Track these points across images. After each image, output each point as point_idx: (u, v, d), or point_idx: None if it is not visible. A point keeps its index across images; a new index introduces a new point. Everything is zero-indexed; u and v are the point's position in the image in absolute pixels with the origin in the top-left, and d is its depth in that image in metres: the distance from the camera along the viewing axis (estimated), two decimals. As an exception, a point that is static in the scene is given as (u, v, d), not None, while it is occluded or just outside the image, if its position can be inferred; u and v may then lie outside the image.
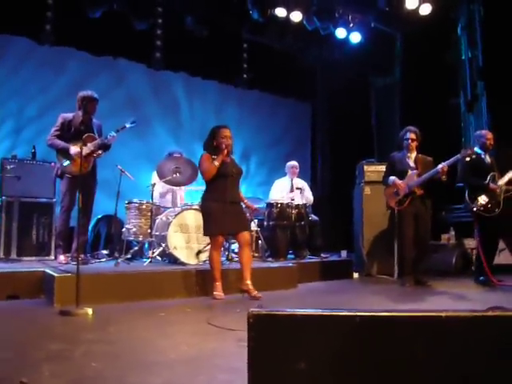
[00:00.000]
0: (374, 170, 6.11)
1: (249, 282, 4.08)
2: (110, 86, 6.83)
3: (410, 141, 5.09)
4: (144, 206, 5.28)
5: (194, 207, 5.12)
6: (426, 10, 6.87)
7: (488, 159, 5.18)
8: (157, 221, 5.21)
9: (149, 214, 5.22)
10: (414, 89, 7.60)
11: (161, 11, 6.79)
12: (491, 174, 5.05)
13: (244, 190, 4.54)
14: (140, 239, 5.24)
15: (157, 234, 5.10)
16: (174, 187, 5.83)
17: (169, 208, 5.53)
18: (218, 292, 4.10)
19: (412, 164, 5.10)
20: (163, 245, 4.89)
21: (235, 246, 5.84)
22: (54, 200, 5.32)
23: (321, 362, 1.16)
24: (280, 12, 6.90)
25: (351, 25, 7.34)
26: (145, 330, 2.92)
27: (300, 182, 6.60)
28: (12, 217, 5.12)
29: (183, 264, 4.75)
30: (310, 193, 6.66)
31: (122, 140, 5.91)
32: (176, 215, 4.87)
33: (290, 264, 5.28)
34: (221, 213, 4.04)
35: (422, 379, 1.15)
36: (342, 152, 8.21)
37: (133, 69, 7.23)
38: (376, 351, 1.15)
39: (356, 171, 6.44)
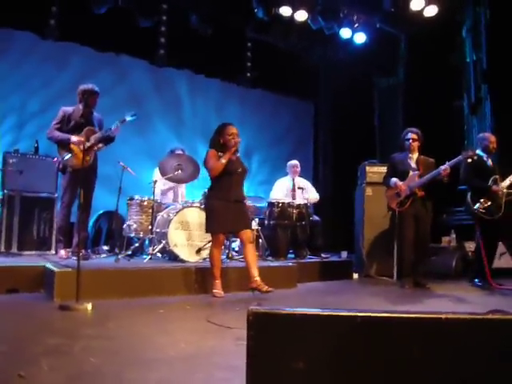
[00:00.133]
0: (375, 171, 6.10)
1: (257, 278, 4.03)
2: (113, 82, 6.84)
3: (411, 141, 5.08)
4: (145, 203, 5.29)
5: (195, 205, 5.12)
6: (431, 11, 6.86)
7: (490, 162, 5.18)
8: (158, 218, 5.22)
9: (150, 210, 5.22)
10: (418, 90, 7.59)
11: (166, 8, 6.79)
12: (493, 176, 5.04)
13: (245, 188, 4.54)
14: (141, 236, 5.25)
15: (157, 230, 5.10)
16: (176, 185, 5.83)
17: (170, 205, 5.53)
18: (218, 290, 4.10)
19: (413, 165, 5.09)
20: (164, 242, 4.90)
21: (236, 245, 5.86)
22: (56, 195, 5.33)
23: (319, 361, 1.16)
24: (285, 11, 6.89)
25: (356, 25, 7.33)
26: (144, 327, 2.92)
27: (302, 182, 6.59)
28: (13, 211, 5.13)
29: (183, 261, 4.75)
30: (314, 190, 6.64)
31: (124, 136, 5.91)
32: (177, 212, 4.87)
33: (290, 263, 5.28)
34: (224, 211, 4.04)
35: (420, 381, 1.15)
36: (344, 152, 8.21)
37: (136, 65, 7.23)
38: (375, 352, 1.15)
39: (358, 172, 6.44)
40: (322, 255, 6.28)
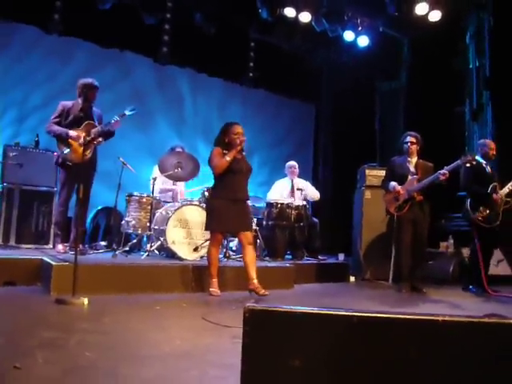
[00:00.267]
0: (375, 175, 6.11)
1: (255, 280, 4.04)
2: (116, 79, 6.83)
3: (409, 144, 5.09)
4: (144, 200, 5.28)
5: (193, 203, 5.13)
6: (435, 16, 6.86)
7: (489, 169, 5.18)
8: (156, 215, 5.22)
9: (149, 207, 5.22)
10: (420, 95, 7.60)
11: (170, 6, 6.79)
12: (492, 184, 5.04)
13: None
14: (139, 232, 5.24)
15: (156, 227, 5.10)
16: (175, 186, 5.84)
17: (169, 203, 5.53)
18: (214, 289, 4.10)
19: (412, 169, 5.09)
20: (162, 239, 4.90)
21: (233, 244, 5.86)
22: (55, 189, 5.32)
23: (315, 359, 1.16)
24: (289, 12, 6.88)
25: (360, 28, 7.33)
26: (140, 323, 2.92)
27: (301, 182, 6.58)
28: (12, 204, 5.13)
29: (181, 259, 4.75)
30: (314, 189, 6.63)
31: (125, 132, 5.91)
32: (176, 210, 4.87)
33: (287, 264, 5.28)
34: (225, 210, 4.03)
35: (416, 382, 1.15)
36: (345, 155, 8.21)
37: (139, 62, 7.23)
38: (371, 352, 1.15)
39: (357, 175, 6.44)
40: (320, 257, 6.28)
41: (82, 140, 4.58)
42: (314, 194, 6.50)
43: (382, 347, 1.15)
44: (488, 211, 4.97)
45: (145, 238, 5.43)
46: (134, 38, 6.77)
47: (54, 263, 3.71)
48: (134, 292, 3.86)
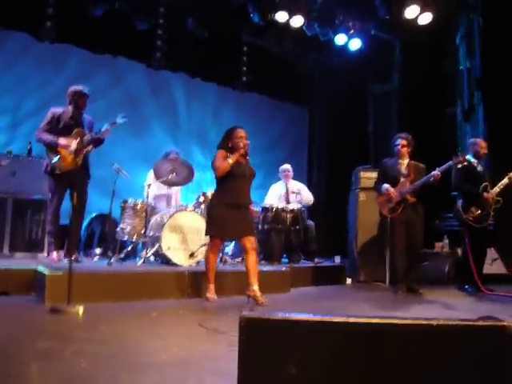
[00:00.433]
0: (369, 177, 6.12)
1: (255, 287, 3.98)
2: (109, 85, 6.82)
3: (400, 147, 5.11)
4: (139, 206, 5.27)
5: (188, 209, 5.11)
6: (425, 19, 6.91)
7: (480, 168, 5.21)
8: (151, 221, 5.20)
9: (143, 214, 5.20)
10: (412, 96, 7.64)
11: (163, 12, 6.79)
12: (483, 184, 5.07)
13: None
14: (134, 239, 5.22)
15: (151, 234, 5.08)
16: (169, 192, 5.82)
17: (164, 208, 5.52)
18: (211, 294, 4.09)
19: (404, 171, 5.11)
20: (157, 245, 4.88)
21: (229, 249, 5.86)
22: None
23: (311, 367, 1.16)
24: (280, 16, 6.91)
25: (351, 31, 7.36)
26: (136, 331, 2.91)
27: (295, 185, 6.59)
28: (5, 212, 5.10)
29: (176, 265, 4.74)
30: (309, 193, 6.64)
31: (119, 139, 5.90)
32: (170, 216, 4.86)
33: (284, 268, 5.27)
34: (225, 216, 3.98)
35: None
36: (339, 157, 8.22)
37: (132, 68, 7.22)
38: (367, 358, 1.15)
39: (352, 177, 6.46)
40: (316, 260, 6.29)
41: (72, 148, 4.56)
42: (308, 199, 6.50)
43: (376, 353, 1.15)
44: (479, 211, 5.01)
45: (140, 245, 5.41)
46: (127, 44, 6.76)
47: (47, 272, 3.68)
48: (130, 299, 3.84)
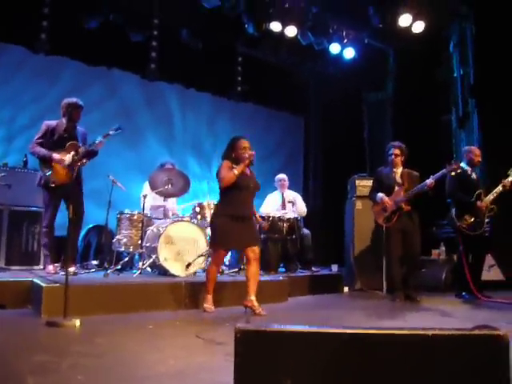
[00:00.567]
0: (365, 185, 6.13)
1: (253, 298, 3.97)
2: (104, 96, 6.84)
3: (393, 156, 5.13)
4: (135, 217, 5.26)
5: (185, 219, 5.11)
6: (418, 27, 6.98)
7: (474, 175, 5.24)
8: (148, 232, 5.19)
9: (140, 225, 5.20)
10: (407, 104, 7.69)
11: (157, 23, 6.83)
12: (477, 191, 5.09)
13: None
14: (130, 250, 5.21)
15: (147, 245, 5.07)
16: (166, 199, 5.82)
17: (160, 219, 5.51)
18: (209, 305, 4.07)
19: (398, 179, 5.13)
20: (153, 256, 4.87)
21: (226, 259, 5.84)
22: (45, 209, 5.28)
23: (307, 378, 1.16)
24: (275, 26, 6.96)
25: (345, 40, 7.43)
26: (133, 343, 2.89)
27: (291, 195, 6.60)
28: (1, 225, 5.09)
29: (173, 276, 4.72)
30: (303, 204, 6.65)
31: (114, 150, 5.91)
32: (167, 227, 4.86)
33: (281, 277, 5.26)
34: (228, 228, 3.95)
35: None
36: (335, 166, 8.25)
37: (127, 79, 7.24)
38: (363, 369, 1.15)
39: (348, 185, 6.47)
40: (313, 269, 6.28)
41: (66, 162, 4.56)
42: (301, 210, 6.49)
43: (373, 364, 1.15)
44: (473, 219, 5.02)
45: (137, 256, 5.40)
46: (122, 56, 6.79)
47: (44, 285, 3.66)
48: (127, 311, 3.82)
